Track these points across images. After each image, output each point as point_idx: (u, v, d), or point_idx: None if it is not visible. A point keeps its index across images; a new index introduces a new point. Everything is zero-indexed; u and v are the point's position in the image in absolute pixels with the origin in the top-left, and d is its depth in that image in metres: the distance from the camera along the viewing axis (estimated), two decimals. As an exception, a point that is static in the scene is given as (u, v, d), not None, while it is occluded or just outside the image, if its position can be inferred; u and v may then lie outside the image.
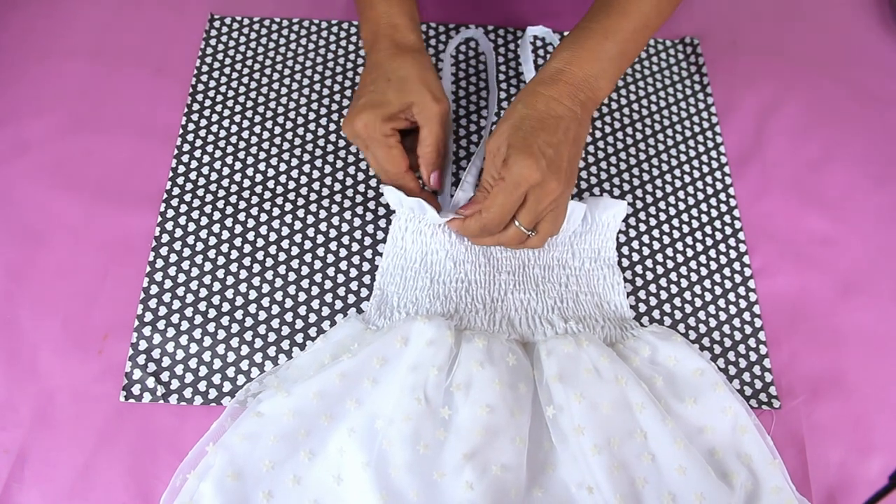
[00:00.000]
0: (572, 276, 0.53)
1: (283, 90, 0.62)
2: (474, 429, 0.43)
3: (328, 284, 0.53)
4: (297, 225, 0.56)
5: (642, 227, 0.57)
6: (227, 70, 0.63)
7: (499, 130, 0.48)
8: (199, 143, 0.59)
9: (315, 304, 0.53)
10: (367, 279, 0.54)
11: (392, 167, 0.51)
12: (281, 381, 0.46)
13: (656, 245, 0.57)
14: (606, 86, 0.50)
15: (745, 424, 0.46)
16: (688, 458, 0.43)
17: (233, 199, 0.57)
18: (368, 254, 0.55)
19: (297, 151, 0.59)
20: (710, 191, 0.60)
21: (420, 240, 0.53)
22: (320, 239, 0.55)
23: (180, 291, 0.52)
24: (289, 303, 0.52)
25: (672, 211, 0.58)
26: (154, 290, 0.52)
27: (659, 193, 0.59)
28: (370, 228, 0.56)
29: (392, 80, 0.50)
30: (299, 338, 0.51)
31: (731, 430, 0.46)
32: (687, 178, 0.60)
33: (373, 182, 0.58)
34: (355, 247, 0.55)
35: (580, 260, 0.54)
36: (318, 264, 0.54)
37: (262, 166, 0.58)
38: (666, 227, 0.58)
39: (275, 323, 0.52)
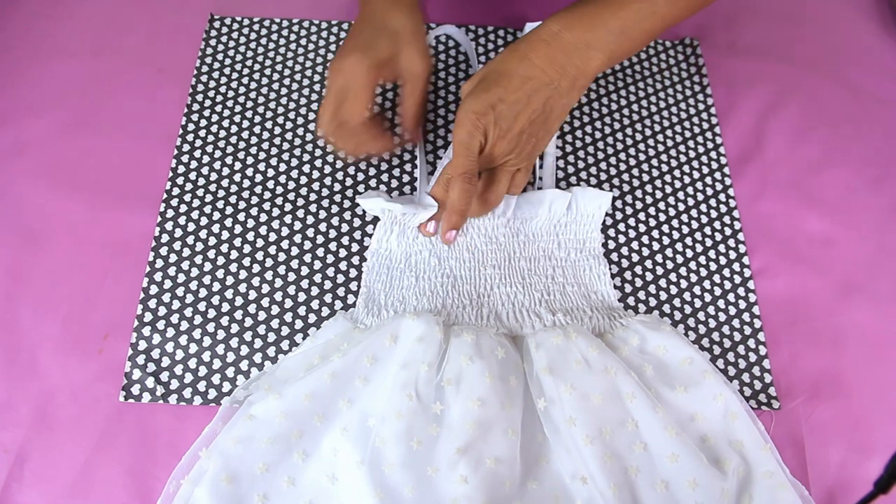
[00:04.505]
0: (558, 267, 0.54)
1: (284, 90, 0.62)
2: (466, 423, 0.43)
3: (328, 285, 0.53)
4: (297, 225, 0.56)
5: (642, 228, 0.57)
6: (227, 70, 0.63)
7: (468, 83, 0.50)
8: (199, 143, 0.59)
9: (315, 304, 0.53)
10: (366, 279, 0.54)
11: (356, 112, 0.52)
12: (272, 384, 0.46)
13: (656, 245, 0.57)
14: (599, 58, 0.48)
15: (735, 411, 0.46)
16: (680, 446, 0.44)
17: (233, 199, 0.57)
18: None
19: (297, 151, 0.59)
20: (709, 191, 0.60)
21: (404, 241, 0.54)
22: (320, 239, 0.55)
23: (180, 291, 0.52)
24: (288, 303, 0.53)
25: (672, 211, 0.58)
26: (154, 290, 0.52)
27: (659, 194, 0.59)
28: (370, 229, 0.56)
29: (384, 32, 0.51)
30: (299, 338, 0.51)
31: (722, 417, 0.46)
32: (687, 179, 0.60)
33: (373, 182, 0.58)
34: (355, 247, 0.55)
35: (566, 250, 0.54)
36: (317, 265, 0.54)
37: (262, 166, 0.58)
38: (666, 228, 0.58)
39: (274, 323, 0.52)
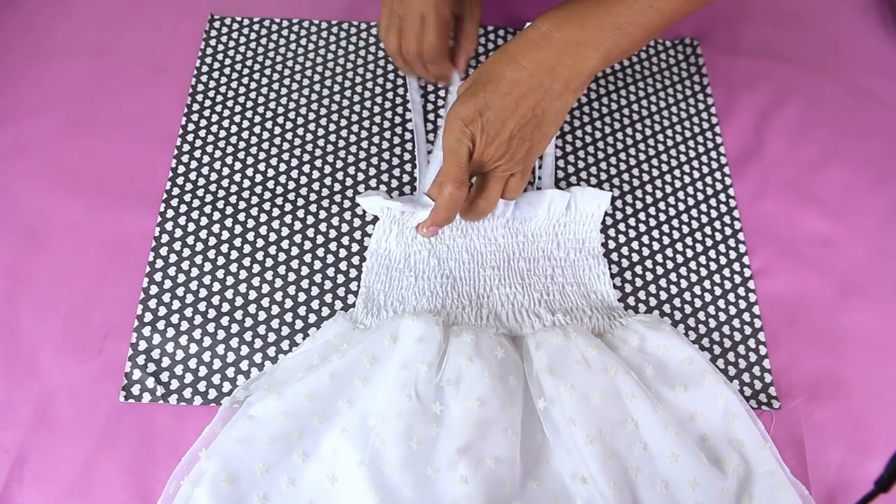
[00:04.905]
0: (557, 267, 0.54)
1: (283, 90, 0.62)
2: (466, 423, 0.43)
3: (328, 285, 0.53)
4: (297, 225, 0.56)
5: (642, 228, 0.57)
6: (227, 70, 0.63)
7: (464, 83, 0.50)
8: (199, 143, 0.59)
9: (315, 304, 0.53)
10: (366, 279, 0.54)
11: (438, 45, 0.55)
12: (271, 385, 0.46)
13: (656, 245, 0.57)
14: (594, 57, 0.46)
15: (735, 410, 0.46)
16: (680, 445, 0.44)
17: (233, 199, 0.57)
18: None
19: (297, 152, 0.59)
20: (709, 191, 0.60)
21: (403, 241, 0.54)
22: (320, 239, 0.55)
23: (180, 291, 0.52)
24: (288, 303, 0.53)
25: (672, 211, 0.58)
26: (154, 290, 0.52)
27: (659, 193, 0.59)
28: (370, 229, 0.56)
29: None
30: (299, 338, 0.51)
31: (722, 417, 0.46)
32: (687, 179, 0.60)
33: (373, 182, 0.58)
34: (355, 247, 0.55)
35: (565, 250, 0.54)
36: (317, 265, 0.54)
37: (262, 166, 0.58)
38: (666, 228, 0.58)
39: (274, 323, 0.52)
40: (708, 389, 0.46)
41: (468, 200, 0.51)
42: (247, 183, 0.58)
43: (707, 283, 0.55)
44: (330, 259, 0.55)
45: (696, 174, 0.60)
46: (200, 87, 0.62)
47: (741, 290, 0.55)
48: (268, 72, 0.63)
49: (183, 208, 0.56)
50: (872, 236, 0.58)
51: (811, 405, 0.51)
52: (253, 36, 0.65)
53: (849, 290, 0.56)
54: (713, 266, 0.56)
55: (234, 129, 0.60)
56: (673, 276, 0.55)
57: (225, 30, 0.65)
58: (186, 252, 0.54)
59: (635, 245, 0.57)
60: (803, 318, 0.54)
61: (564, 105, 0.48)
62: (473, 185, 0.52)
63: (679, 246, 0.57)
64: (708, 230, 0.58)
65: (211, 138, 0.59)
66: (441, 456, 0.43)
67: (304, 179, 0.58)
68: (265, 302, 0.52)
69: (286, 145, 0.60)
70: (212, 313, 0.52)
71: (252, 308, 0.52)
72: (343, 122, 0.61)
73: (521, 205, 0.55)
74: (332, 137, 0.60)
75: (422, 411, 0.44)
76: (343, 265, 0.54)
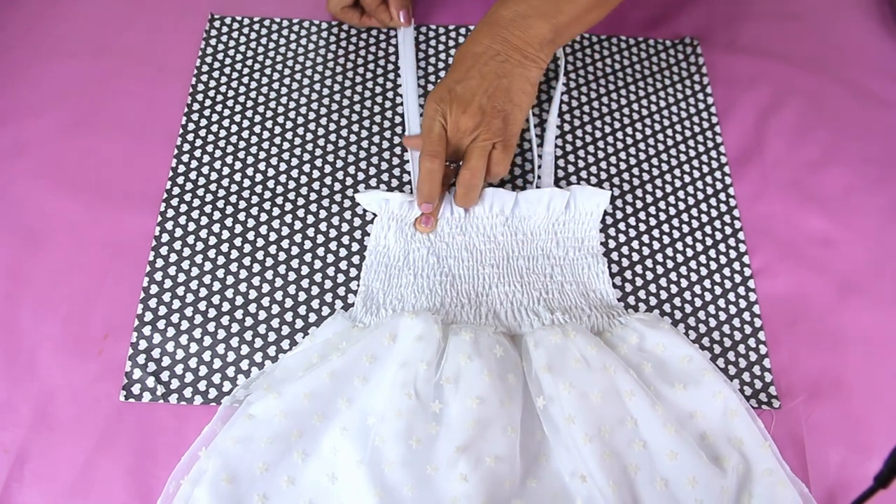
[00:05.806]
0: (556, 265, 0.54)
1: (283, 90, 0.62)
2: (466, 421, 0.43)
3: (328, 284, 0.53)
4: (297, 225, 0.56)
5: (642, 227, 0.57)
6: (227, 70, 0.63)
7: None
8: (199, 143, 0.59)
9: (315, 303, 0.53)
10: (366, 279, 0.54)
11: None
12: (271, 384, 0.46)
13: (656, 245, 0.57)
14: (541, 25, 0.52)
15: (734, 408, 0.46)
16: (679, 443, 0.44)
17: (233, 199, 0.57)
18: (368, 254, 0.55)
19: (297, 151, 0.59)
20: (709, 191, 0.60)
21: (402, 239, 0.54)
22: (320, 239, 0.55)
23: (180, 291, 0.52)
24: (289, 303, 0.53)
25: (672, 211, 0.58)
26: (154, 289, 0.52)
27: (659, 193, 0.59)
28: (370, 228, 0.56)
29: None
30: (299, 338, 0.51)
31: (722, 414, 0.46)
32: (687, 178, 0.60)
33: (373, 182, 0.58)
34: (355, 247, 0.55)
35: (564, 249, 0.54)
36: (318, 264, 0.54)
37: (262, 166, 0.58)
38: (666, 227, 0.58)
39: (275, 323, 0.52)
40: (707, 387, 0.46)
41: (458, 178, 0.53)
42: (247, 183, 0.58)
43: (707, 283, 0.55)
44: (330, 259, 0.55)
45: (696, 174, 0.60)
46: (200, 87, 0.62)
47: (741, 290, 0.55)
48: (268, 72, 0.63)
49: (183, 208, 0.56)
50: (872, 236, 0.58)
51: (811, 405, 0.51)
52: (253, 36, 0.65)
53: (849, 290, 0.55)
54: (713, 266, 0.56)
55: (234, 129, 0.60)
56: (673, 276, 0.55)
57: (225, 29, 0.65)
58: (187, 251, 0.54)
59: (635, 244, 0.57)
60: (803, 318, 0.54)
61: (528, 74, 0.53)
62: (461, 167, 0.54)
63: (679, 245, 0.57)
64: (708, 230, 0.58)
65: (211, 138, 0.59)
66: (441, 454, 0.43)
67: (304, 179, 0.58)
68: (265, 301, 0.52)
69: (286, 145, 0.60)
70: (212, 313, 0.52)
71: (252, 307, 0.52)
72: (343, 122, 0.61)
73: (520, 203, 0.55)
74: (332, 137, 0.60)
75: (421, 410, 0.44)
76: (343, 265, 0.54)
